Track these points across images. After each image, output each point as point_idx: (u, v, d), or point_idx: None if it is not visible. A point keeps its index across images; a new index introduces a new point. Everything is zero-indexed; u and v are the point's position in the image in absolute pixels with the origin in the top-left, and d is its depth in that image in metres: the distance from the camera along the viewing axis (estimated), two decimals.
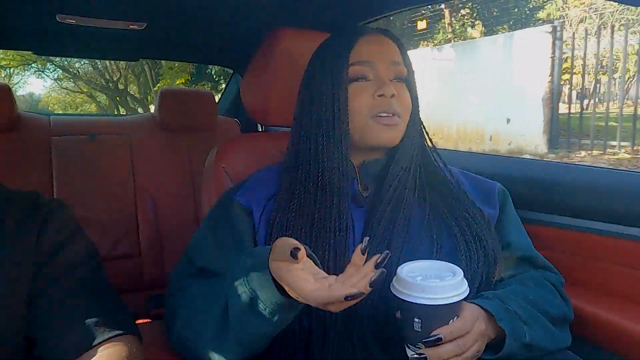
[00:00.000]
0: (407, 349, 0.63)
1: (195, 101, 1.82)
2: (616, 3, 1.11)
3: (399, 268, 0.63)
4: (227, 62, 1.97)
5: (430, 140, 0.85)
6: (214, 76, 9.44)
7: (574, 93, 7.50)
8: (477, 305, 0.66)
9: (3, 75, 12.92)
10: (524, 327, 0.67)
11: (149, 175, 1.72)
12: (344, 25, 1.21)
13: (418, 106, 0.82)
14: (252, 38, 1.50)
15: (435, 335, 0.58)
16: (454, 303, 0.59)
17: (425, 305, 0.58)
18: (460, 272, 0.62)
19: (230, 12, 1.34)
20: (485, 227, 0.77)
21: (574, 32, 7.81)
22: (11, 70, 13.37)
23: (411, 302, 0.59)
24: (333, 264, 0.71)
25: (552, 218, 1.02)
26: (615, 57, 6.67)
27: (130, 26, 1.39)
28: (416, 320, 0.59)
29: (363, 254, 0.59)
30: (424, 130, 0.84)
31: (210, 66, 8.06)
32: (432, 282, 0.60)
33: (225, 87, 2.28)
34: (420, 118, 0.83)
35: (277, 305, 0.59)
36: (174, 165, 1.77)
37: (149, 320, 1.46)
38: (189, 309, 0.72)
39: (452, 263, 0.72)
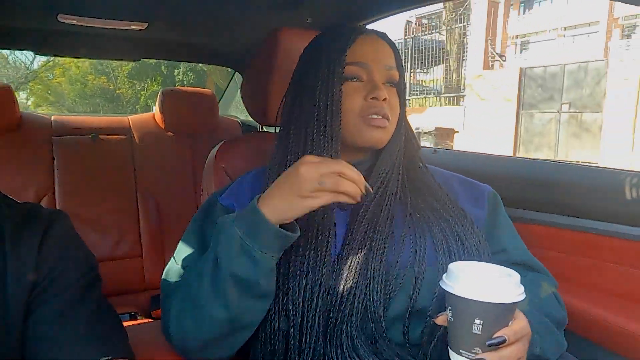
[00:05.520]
0: (454, 355, 0.59)
1: (197, 101, 1.82)
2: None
3: (451, 265, 0.60)
4: (228, 62, 1.97)
5: (418, 142, 0.85)
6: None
7: None
8: None
9: None
10: (536, 337, 0.66)
11: (150, 175, 1.73)
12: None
13: (405, 110, 0.82)
14: (252, 38, 1.51)
15: (500, 337, 0.56)
16: (516, 303, 0.57)
17: (491, 304, 0.55)
18: (515, 272, 0.60)
19: (231, 13, 1.34)
20: (467, 227, 0.76)
21: None
22: None
23: (475, 301, 0.55)
24: (314, 264, 0.71)
25: (547, 217, 1.02)
26: None
27: (132, 26, 1.40)
28: (477, 321, 0.56)
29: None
30: (411, 132, 0.84)
31: None
32: (498, 279, 0.57)
33: (226, 87, 2.29)
34: (407, 122, 0.83)
35: (271, 234, 0.64)
36: (175, 165, 1.77)
37: (150, 320, 1.47)
38: (183, 289, 0.72)
39: (434, 265, 0.72)
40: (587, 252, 0.96)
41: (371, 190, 0.66)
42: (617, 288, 0.91)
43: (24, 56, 13.25)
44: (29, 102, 13.22)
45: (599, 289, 0.93)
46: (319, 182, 0.62)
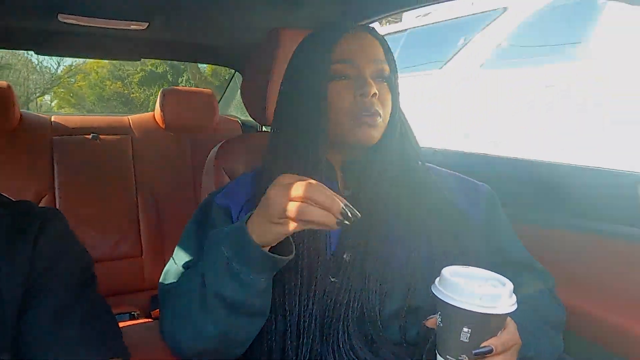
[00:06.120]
0: (440, 359, 0.59)
1: (196, 101, 1.82)
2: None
3: (444, 271, 0.59)
4: (228, 62, 1.98)
5: (415, 139, 0.83)
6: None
7: None
8: None
9: None
10: (531, 338, 0.65)
11: (150, 175, 1.73)
12: None
13: (399, 106, 0.80)
14: (252, 38, 1.51)
15: (487, 347, 0.56)
16: (507, 313, 0.56)
17: (480, 314, 0.54)
18: (509, 282, 0.58)
19: (231, 12, 1.34)
20: (463, 227, 0.76)
21: None
22: None
23: (465, 310, 0.54)
24: (308, 264, 0.71)
25: (546, 217, 1.02)
26: None
27: (132, 26, 1.40)
28: (465, 329, 0.55)
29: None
30: (408, 128, 0.82)
31: None
32: (489, 289, 0.56)
33: (226, 87, 2.29)
34: (402, 117, 0.81)
35: (255, 257, 0.61)
36: (175, 165, 1.77)
37: (150, 320, 1.47)
38: (176, 298, 0.72)
39: (429, 264, 0.71)
40: (586, 253, 0.96)
41: (358, 215, 0.56)
42: (617, 288, 0.91)
43: (48, 63, 14.60)
44: (53, 104, 14.44)
45: (599, 289, 0.93)
46: (284, 209, 0.56)
